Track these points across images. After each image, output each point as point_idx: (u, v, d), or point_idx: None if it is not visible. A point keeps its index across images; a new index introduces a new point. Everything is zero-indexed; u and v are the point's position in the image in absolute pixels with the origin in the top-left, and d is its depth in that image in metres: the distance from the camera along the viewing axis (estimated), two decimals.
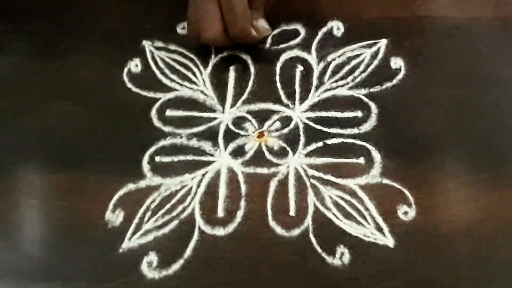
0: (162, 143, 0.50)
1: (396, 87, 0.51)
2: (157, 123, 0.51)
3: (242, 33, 0.50)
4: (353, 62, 0.53)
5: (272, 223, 0.45)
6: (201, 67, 0.53)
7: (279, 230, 0.45)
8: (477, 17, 0.55)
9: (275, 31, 0.55)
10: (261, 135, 0.50)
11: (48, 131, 0.49)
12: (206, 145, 0.49)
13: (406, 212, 0.45)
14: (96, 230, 0.46)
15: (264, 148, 0.49)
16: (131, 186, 0.47)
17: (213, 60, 0.54)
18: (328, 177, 0.47)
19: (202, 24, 0.50)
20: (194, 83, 0.53)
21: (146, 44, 0.55)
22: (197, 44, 0.52)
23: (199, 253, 0.44)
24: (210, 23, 0.49)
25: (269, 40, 0.54)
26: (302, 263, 0.44)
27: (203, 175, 0.48)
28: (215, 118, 0.51)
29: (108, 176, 0.48)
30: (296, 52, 0.54)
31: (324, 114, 0.50)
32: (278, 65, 0.53)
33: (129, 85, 0.53)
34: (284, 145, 0.49)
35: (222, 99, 0.52)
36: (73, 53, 0.55)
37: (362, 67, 0.52)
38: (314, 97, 0.51)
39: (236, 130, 0.50)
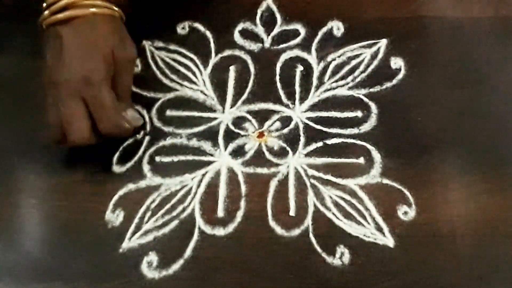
0: (162, 143, 0.50)
1: (396, 87, 0.51)
2: (157, 123, 0.51)
3: (116, 129, 0.46)
4: (353, 62, 0.53)
5: (272, 223, 0.45)
6: (201, 67, 0.53)
7: (279, 230, 0.45)
8: (477, 17, 0.55)
9: (275, 31, 0.55)
10: (261, 135, 0.50)
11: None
12: (206, 145, 0.49)
13: (406, 212, 0.45)
14: (96, 230, 0.46)
15: (264, 148, 0.49)
16: (131, 186, 0.48)
17: (213, 60, 0.54)
18: (328, 177, 0.47)
19: (68, 126, 0.45)
20: (194, 83, 0.53)
21: (146, 44, 0.55)
22: (62, 146, 0.47)
23: (199, 253, 0.44)
24: (78, 124, 0.45)
25: (269, 40, 0.54)
26: (302, 263, 0.44)
27: (203, 175, 0.48)
28: (215, 118, 0.51)
29: (108, 176, 0.48)
30: (296, 52, 0.54)
31: (324, 114, 0.50)
32: (278, 65, 0.53)
33: None
34: (284, 145, 0.49)
35: (222, 99, 0.52)
36: None
37: (362, 67, 0.52)
38: (314, 97, 0.51)
39: (236, 130, 0.50)
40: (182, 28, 0.56)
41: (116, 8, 0.49)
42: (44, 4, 0.47)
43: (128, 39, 0.49)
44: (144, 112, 0.51)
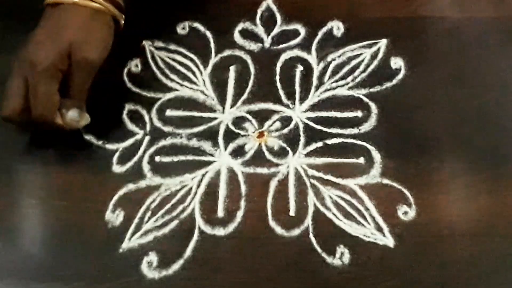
0: (162, 143, 0.50)
1: (396, 87, 0.51)
2: (157, 123, 0.51)
3: (41, 118, 0.46)
4: (353, 62, 0.53)
5: (272, 223, 0.45)
6: (201, 67, 0.53)
7: (279, 230, 0.45)
8: (477, 17, 0.55)
9: (275, 31, 0.55)
10: (261, 135, 0.50)
11: (48, 131, 0.49)
12: (206, 145, 0.49)
13: (406, 212, 0.45)
14: (96, 230, 0.46)
15: (264, 148, 0.49)
16: (131, 186, 0.47)
17: (213, 60, 0.54)
18: (328, 177, 0.47)
19: (4, 99, 0.46)
20: (194, 83, 0.53)
21: (146, 44, 0.55)
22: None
23: (199, 253, 0.44)
24: (11, 100, 0.46)
25: (269, 40, 0.54)
26: (302, 263, 0.44)
27: (203, 175, 0.48)
28: (215, 118, 0.51)
29: (108, 176, 0.48)
30: (296, 52, 0.54)
31: (324, 114, 0.50)
32: (278, 65, 0.53)
33: (129, 85, 0.53)
34: (284, 145, 0.49)
35: (222, 99, 0.52)
36: None
37: (362, 67, 0.52)
38: (314, 97, 0.51)
39: (236, 130, 0.50)
40: (182, 28, 0.56)
41: (109, 6, 0.49)
42: None
43: (98, 41, 0.48)
44: (144, 112, 0.51)
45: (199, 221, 0.46)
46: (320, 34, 0.54)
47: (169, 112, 0.51)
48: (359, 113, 0.50)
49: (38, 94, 0.45)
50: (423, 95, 0.51)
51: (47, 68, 0.45)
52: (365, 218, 0.45)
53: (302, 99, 0.51)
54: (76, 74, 0.47)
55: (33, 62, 0.45)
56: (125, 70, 0.54)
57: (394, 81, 0.51)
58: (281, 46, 0.54)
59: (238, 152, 0.49)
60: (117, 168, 0.48)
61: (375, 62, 0.53)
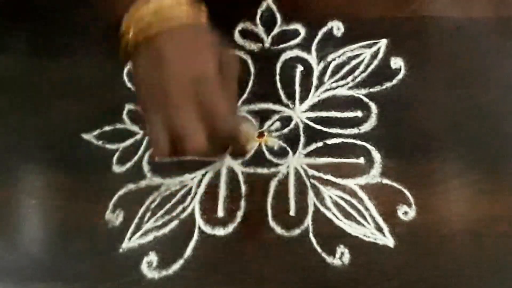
0: None
1: (396, 87, 0.51)
2: None
3: (232, 132, 0.40)
4: (353, 62, 0.53)
5: (272, 223, 0.45)
6: None
7: (279, 230, 0.45)
8: (477, 17, 0.55)
9: (275, 31, 0.55)
10: (261, 135, 0.50)
11: (48, 131, 0.49)
12: None
13: (406, 212, 0.45)
14: (96, 230, 0.46)
15: (264, 148, 0.49)
16: (131, 186, 0.47)
17: None
18: (328, 177, 0.47)
19: (183, 133, 0.39)
20: None
21: None
22: (172, 158, 0.41)
23: (199, 253, 0.44)
24: (194, 130, 0.39)
25: (269, 40, 0.54)
26: (302, 263, 0.44)
27: (203, 175, 0.48)
28: None
29: (108, 176, 0.48)
30: (296, 52, 0.54)
31: (324, 114, 0.50)
32: (278, 65, 0.53)
33: (129, 85, 0.53)
34: (284, 145, 0.49)
35: None
36: (73, 53, 0.55)
37: (362, 67, 0.52)
38: (314, 97, 0.51)
39: None
40: None
41: (203, 8, 0.43)
42: (124, 22, 0.41)
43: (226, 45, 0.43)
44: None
45: (199, 221, 0.46)
46: (320, 34, 0.54)
47: None
48: (359, 113, 0.50)
49: (220, 106, 0.39)
50: (423, 95, 0.51)
51: (216, 74, 0.39)
52: (365, 218, 0.45)
53: (302, 99, 0.51)
54: (228, 80, 0.41)
55: (198, 77, 0.39)
56: (125, 70, 0.53)
57: (394, 81, 0.51)
58: (281, 46, 0.54)
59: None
60: (117, 168, 0.48)
61: (375, 62, 0.53)
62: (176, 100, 0.39)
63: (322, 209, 0.46)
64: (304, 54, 0.53)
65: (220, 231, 0.45)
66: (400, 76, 0.52)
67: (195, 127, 0.39)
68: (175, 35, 0.40)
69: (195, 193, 0.47)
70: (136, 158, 0.49)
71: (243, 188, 0.47)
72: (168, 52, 0.39)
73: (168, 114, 0.39)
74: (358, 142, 0.49)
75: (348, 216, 0.45)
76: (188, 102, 0.39)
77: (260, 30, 0.55)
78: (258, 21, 0.56)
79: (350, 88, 0.51)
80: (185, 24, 0.41)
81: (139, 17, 0.40)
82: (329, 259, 0.44)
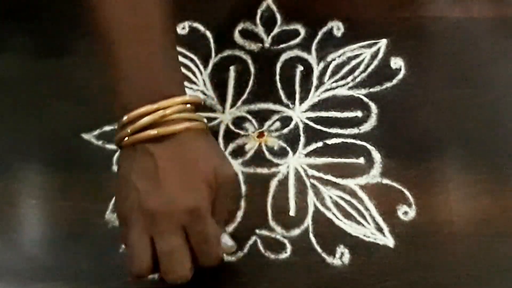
0: None
1: (396, 87, 0.51)
2: None
3: (216, 261, 0.40)
4: (353, 62, 0.53)
5: (272, 223, 0.45)
6: (201, 67, 0.53)
7: (279, 230, 0.45)
8: (477, 17, 0.55)
9: (275, 31, 0.55)
10: (261, 135, 0.50)
11: (48, 130, 0.49)
12: None
13: (406, 212, 0.45)
14: (96, 230, 0.46)
15: (264, 148, 0.49)
16: None
17: (213, 60, 0.54)
18: (328, 177, 0.47)
19: (168, 262, 0.39)
20: (194, 83, 0.53)
21: None
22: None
23: None
24: (180, 261, 0.39)
25: (269, 40, 0.54)
26: (302, 263, 0.44)
27: None
28: (215, 118, 0.51)
29: (108, 176, 0.48)
30: (296, 52, 0.54)
31: (324, 114, 0.50)
32: (278, 65, 0.53)
33: None
34: (284, 145, 0.49)
35: (222, 99, 0.52)
36: (73, 53, 0.55)
37: (362, 67, 0.52)
38: (314, 97, 0.51)
39: (236, 130, 0.50)
40: (182, 28, 0.56)
41: (204, 119, 0.43)
42: (124, 119, 0.40)
43: (225, 155, 0.44)
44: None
45: None
46: (320, 34, 0.54)
47: None
48: (359, 113, 0.50)
49: (210, 241, 0.39)
50: (423, 95, 0.51)
51: (209, 208, 0.39)
52: (365, 218, 0.45)
53: (302, 99, 0.51)
54: (221, 200, 0.40)
55: (192, 210, 0.38)
56: None
57: (394, 81, 0.51)
58: (281, 46, 0.54)
59: (238, 152, 0.49)
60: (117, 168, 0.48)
61: (375, 62, 0.53)
62: (164, 226, 0.38)
63: (322, 209, 0.46)
64: (304, 54, 0.53)
65: None
66: (400, 76, 0.52)
67: (182, 256, 0.39)
68: (172, 144, 0.39)
69: None
70: None
71: (243, 188, 0.47)
72: (162, 168, 0.39)
73: (152, 236, 0.39)
74: (358, 142, 0.49)
75: (348, 216, 0.45)
76: (176, 231, 0.38)
77: (260, 30, 0.55)
78: (258, 21, 0.56)
79: (350, 88, 0.51)
80: (185, 135, 0.40)
81: (140, 115, 0.40)
82: (329, 259, 0.44)
